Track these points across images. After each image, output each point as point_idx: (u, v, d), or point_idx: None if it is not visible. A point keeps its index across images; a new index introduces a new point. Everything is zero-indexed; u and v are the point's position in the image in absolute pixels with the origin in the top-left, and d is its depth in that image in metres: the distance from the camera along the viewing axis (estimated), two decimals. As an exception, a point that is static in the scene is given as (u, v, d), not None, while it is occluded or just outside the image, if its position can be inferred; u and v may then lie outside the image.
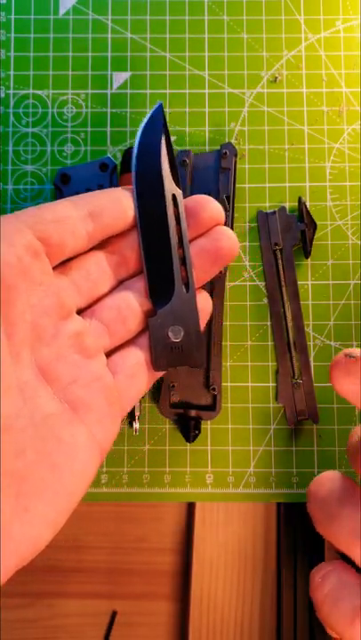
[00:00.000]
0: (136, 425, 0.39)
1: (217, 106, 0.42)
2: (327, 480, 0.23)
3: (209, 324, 0.39)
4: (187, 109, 0.42)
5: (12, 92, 0.42)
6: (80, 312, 0.29)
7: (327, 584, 0.21)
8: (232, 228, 0.40)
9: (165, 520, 0.39)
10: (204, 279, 0.31)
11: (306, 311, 0.40)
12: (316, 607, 0.22)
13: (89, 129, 0.42)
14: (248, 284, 0.41)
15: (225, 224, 0.31)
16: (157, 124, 0.32)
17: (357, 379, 0.19)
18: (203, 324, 0.31)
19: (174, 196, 0.31)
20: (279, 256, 0.40)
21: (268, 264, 0.40)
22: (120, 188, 0.30)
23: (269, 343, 0.40)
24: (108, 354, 0.29)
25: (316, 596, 0.22)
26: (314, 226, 0.40)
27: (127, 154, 0.40)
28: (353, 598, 0.20)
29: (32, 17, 0.43)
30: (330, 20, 0.43)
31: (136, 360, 0.29)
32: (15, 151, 0.42)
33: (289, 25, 0.43)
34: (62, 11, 0.43)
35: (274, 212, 0.40)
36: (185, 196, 0.31)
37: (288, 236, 0.40)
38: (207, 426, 0.39)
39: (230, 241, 0.30)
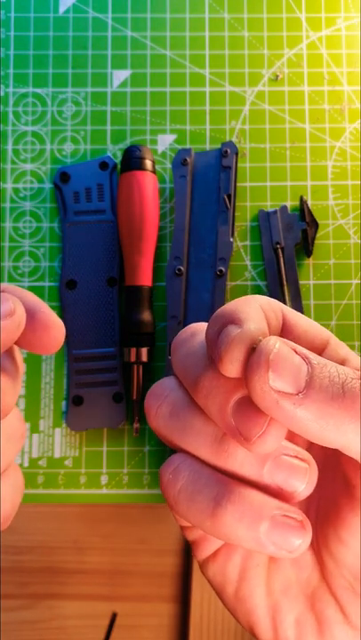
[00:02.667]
0: (136, 425, 0.38)
1: (218, 104, 0.42)
2: (167, 390, 0.21)
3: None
4: (187, 108, 0.42)
5: (11, 90, 0.42)
6: None
7: (179, 479, 0.20)
8: (233, 228, 0.40)
9: (166, 522, 0.39)
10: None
11: (307, 311, 0.40)
12: (170, 505, 0.21)
13: (89, 127, 0.42)
14: (249, 283, 0.40)
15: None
16: None
17: (243, 360, 0.18)
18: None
19: None
20: (280, 255, 0.40)
21: (270, 263, 0.40)
22: None
23: (271, 343, 0.40)
24: None
25: (168, 493, 0.20)
26: (315, 225, 0.40)
27: (127, 152, 0.39)
28: (209, 490, 0.19)
29: (32, 15, 0.43)
30: (331, 18, 0.43)
31: None
32: (14, 150, 0.41)
33: (290, 23, 0.43)
34: (62, 9, 0.43)
35: (275, 211, 0.40)
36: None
37: (289, 235, 0.40)
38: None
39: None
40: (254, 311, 0.19)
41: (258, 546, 0.19)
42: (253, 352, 0.17)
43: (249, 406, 0.18)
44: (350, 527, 0.20)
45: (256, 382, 0.17)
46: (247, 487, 0.19)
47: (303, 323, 0.21)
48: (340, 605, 0.21)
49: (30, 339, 0.21)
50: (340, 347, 0.21)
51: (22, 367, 0.23)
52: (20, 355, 0.23)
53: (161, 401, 0.21)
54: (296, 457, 0.19)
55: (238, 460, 0.19)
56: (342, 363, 0.20)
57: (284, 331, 0.21)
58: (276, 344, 0.17)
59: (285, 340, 0.18)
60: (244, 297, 0.20)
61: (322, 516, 0.22)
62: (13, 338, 0.20)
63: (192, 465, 0.20)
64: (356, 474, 0.20)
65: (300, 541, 0.19)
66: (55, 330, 0.21)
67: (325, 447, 0.18)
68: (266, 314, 0.20)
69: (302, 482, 0.19)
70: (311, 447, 0.23)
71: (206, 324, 0.20)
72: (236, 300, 0.19)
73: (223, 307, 0.19)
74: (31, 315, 0.21)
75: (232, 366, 0.17)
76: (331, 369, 0.17)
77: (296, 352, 0.17)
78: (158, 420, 0.21)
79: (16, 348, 0.22)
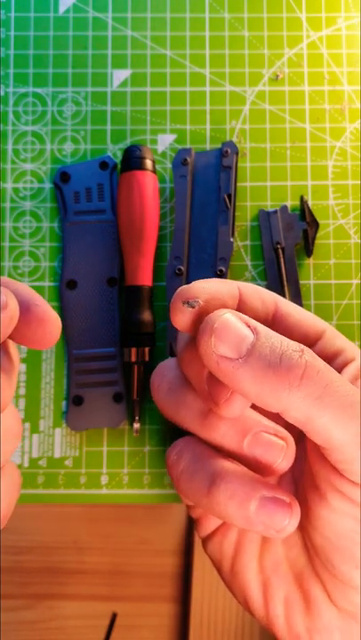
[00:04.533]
0: (136, 425, 0.38)
1: (218, 104, 0.42)
2: (168, 370, 0.24)
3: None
4: (187, 107, 0.42)
5: (11, 90, 0.42)
6: None
7: (182, 460, 0.22)
8: (233, 228, 0.40)
9: (166, 522, 0.39)
10: None
11: (307, 310, 0.40)
12: (175, 484, 0.23)
13: (89, 127, 0.42)
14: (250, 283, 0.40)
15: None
16: None
17: (189, 317, 0.21)
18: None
19: None
20: (281, 255, 0.40)
21: (270, 263, 0.40)
22: None
23: (271, 343, 0.40)
24: None
25: (172, 473, 0.22)
26: (316, 225, 0.40)
27: (127, 152, 0.39)
28: (206, 470, 0.21)
29: (32, 14, 0.43)
30: (331, 17, 0.43)
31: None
32: (14, 150, 0.41)
33: (290, 22, 0.43)
34: (62, 8, 0.43)
35: (275, 211, 0.40)
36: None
37: (290, 235, 0.40)
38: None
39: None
40: (220, 284, 0.21)
41: (248, 524, 0.20)
42: (204, 321, 0.20)
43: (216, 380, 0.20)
44: (315, 510, 0.21)
45: (202, 346, 0.19)
46: (241, 469, 0.21)
47: (297, 314, 0.23)
48: (323, 585, 0.21)
49: (25, 333, 0.21)
50: (337, 338, 0.23)
51: (18, 362, 0.23)
52: (15, 350, 0.22)
53: (161, 379, 0.24)
54: (275, 435, 0.21)
55: (220, 432, 0.21)
56: (337, 353, 0.22)
57: (276, 320, 0.23)
58: (223, 314, 0.19)
59: (239, 313, 0.20)
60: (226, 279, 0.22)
61: (303, 498, 0.23)
62: (6, 332, 0.20)
63: (194, 447, 0.22)
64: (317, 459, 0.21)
65: (287, 522, 0.20)
66: (50, 324, 0.21)
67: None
68: (248, 298, 0.22)
69: (279, 456, 0.21)
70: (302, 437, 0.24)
71: None
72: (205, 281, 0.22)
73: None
74: (25, 308, 0.21)
75: (177, 319, 0.21)
76: (275, 340, 0.19)
77: (248, 324, 0.19)
78: (159, 395, 0.24)
79: (11, 343, 0.22)
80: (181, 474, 0.22)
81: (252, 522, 0.20)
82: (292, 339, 0.20)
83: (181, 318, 0.21)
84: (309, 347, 0.23)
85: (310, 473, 0.21)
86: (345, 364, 0.23)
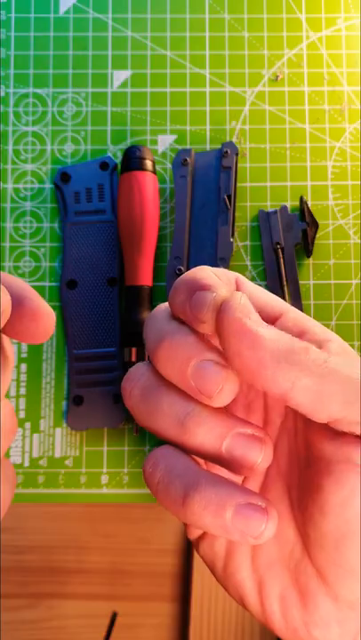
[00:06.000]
0: (136, 425, 0.38)
1: (218, 104, 0.42)
2: (139, 375, 0.23)
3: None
4: (187, 108, 0.42)
5: (11, 90, 0.42)
6: None
7: (157, 472, 0.22)
8: (233, 228, 0.40)
9: (166, 521, 0.39)
10: None
11: (307, 310, 0.40)
12: (153, 495, 0.22)
13: (89, 128, 0.42)
14: (249, 283, 0.40)
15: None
16: None
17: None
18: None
19: None
20: (280, 255, 0.40)
21: (270, 263, 0.40)
22: None
23: (271, 343, 0.40)
24: None
25: (149, 485, 0.22)
26: (315, 225, 0.40)
27: (127, 153, 0.39)
28: (180, 480, 0.21)
29: (32, 15, 0.43)
30: (331, 18, 0.43)
31: None
32: (15, 150, 0.41)
33: (290, 23, 0.43)
34: (63, 9, 0.43)
35: (275, 212, 0.40)
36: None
37: (289, 235, 0.40)
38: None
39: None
40: (214, 276, 0.22)
41: (225, 533, 0.20)
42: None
43: (205, 369, 0.20)
44: (323, 496, 0.21)
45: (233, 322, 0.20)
46: (214, 477, 0.21)
47: (256, 292, 0.24)
48: (323, 577, 0.21)
49: (18, 327, 0.21)
50: (298, 319, 0.23)
51: (12, 357, 0.23)
52: (9, 344, 0.22)
53: (133, 385, 0.23)
54: (252, 434, 0.21)
55: (199, 438, 0.21)
56: (298, 334, 0.22)
57: None
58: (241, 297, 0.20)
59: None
60: (197, 267, 0.22)
61: (301, 489, 0.23)
62: None
63: (168, 457, 0.22)
64: (319, 437, 0.21)
65: (263, 527, 0.20)
66: (44, 318, 0.21)
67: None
68: (220, 279, 0.22)
69: (258, 455, 0.21)
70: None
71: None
72: (191, 270, 0.22)
73: (182, 277, 0.22)
74: (19, 302, 0.21)
75: (210, 329, 0.20)
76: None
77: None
78: (132, 402, 0.23)
79: (5, 338, 0.22)
80: (158, 485, 0.21)
81: (228, 530, 0.20)
82: None
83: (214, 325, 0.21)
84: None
85: (318, 460, 0.21)
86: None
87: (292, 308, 0.24)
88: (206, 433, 0.21)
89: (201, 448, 0.21)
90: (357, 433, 0.20)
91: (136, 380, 0.23)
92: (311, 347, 0.20)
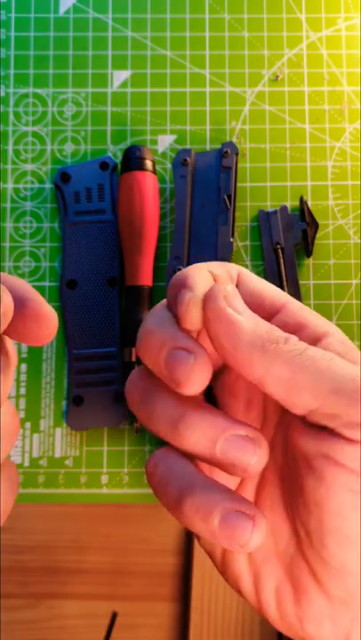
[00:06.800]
0: (137, 424, 0.38)
1: (218, 104, 0.42)
2: (138, 379, 0.24)
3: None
4: (187, 108, 0.42)
5: (11, 90, 0.42)
6: None
7: (158, 472, 0.22)
8: (233, 228, 0.40)
9: (166, 521, 0.39)
10: None
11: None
12: (154, 494, 0.23)
13: (89, 128, 0.42)
14: (249, 283, 0.40)
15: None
16: None
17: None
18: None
19: None
20: (280, 255, 0.40)
21: (270, 263, 0.40)
22: None
23: (271, 343, 0.40)
24: None
25: (151, 484, 0.22)
26: (315, 225, 0.40)
27: (127, 153, 0.39)
28: (176, 481, 0.21)
29: (32, 15, 0.43)
30: (331, 18, 0.43)
31: None
32: (15, 150, 0.41)
33: (290, 23, 0.43)
34: (63, 9, 0.43)
35: (275, 212, 0.40)
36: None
37: (289, 235, 0.40)
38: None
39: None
40: (203, 276, 0.22)
41: (213, 538, 0.20)
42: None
43: (175, 356, 0.21)
44: (305, 492, 0.21)
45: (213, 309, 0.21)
46: (208, 481, 0.21)
47: (257, 284, 0.24)
48: (314, 574, 0.21)
49: (20, 329, 0.21)
50: (299, 311, 0.23)
51: (15, 359, 0.23)
52: (12, 345, 0.22)
53: (133, 388, 0.23)
54: (246, 436, 0.21)
55: (192, 441, 0.21)
56: (298, 327, 0.22)
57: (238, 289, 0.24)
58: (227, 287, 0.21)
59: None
60: (192, 265, 0.23)
61: (291, 486, 0.23)
62: (1, 328, 0.19)
63: (168, 459, 0.22)
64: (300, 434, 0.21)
65: (248, 536, 0.20)
66: (47, 320, 0.21)
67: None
68: (219, 277, 0.23)
69: (252, 457, 0.21)
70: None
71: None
72: (188, 267, 0.22)
73: (178, 273, 0.22)
74: (21, 303, 0.20)
75: (190, 323, 0.21)
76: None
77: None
78: (133, 406, 0.23)
79: (7, 339, 0.22)
80: (158, 485, 0.22)
81: (216, 536, 0.20)
82: (249, 308, 0.21)
83: (196, 322, 0.22)
84: (268, 319, 0.23)
85: (300, 456, 0.22)
86: (313, 340, 0.23)
87: (295, 300, 0.24)
88: (199, 436, 0.21)
89: (195, 450, 0.21)
90: (332, 427, 0.20)
91: (135, 383, 0.23)
92: (292, 337, 0.20)
